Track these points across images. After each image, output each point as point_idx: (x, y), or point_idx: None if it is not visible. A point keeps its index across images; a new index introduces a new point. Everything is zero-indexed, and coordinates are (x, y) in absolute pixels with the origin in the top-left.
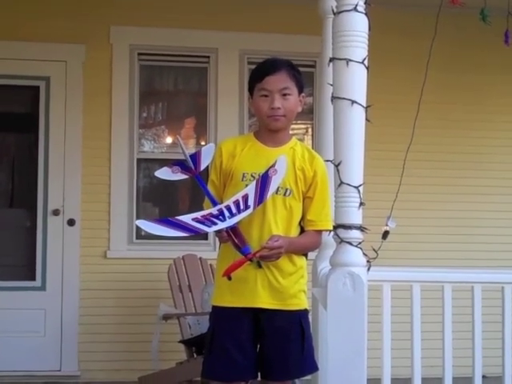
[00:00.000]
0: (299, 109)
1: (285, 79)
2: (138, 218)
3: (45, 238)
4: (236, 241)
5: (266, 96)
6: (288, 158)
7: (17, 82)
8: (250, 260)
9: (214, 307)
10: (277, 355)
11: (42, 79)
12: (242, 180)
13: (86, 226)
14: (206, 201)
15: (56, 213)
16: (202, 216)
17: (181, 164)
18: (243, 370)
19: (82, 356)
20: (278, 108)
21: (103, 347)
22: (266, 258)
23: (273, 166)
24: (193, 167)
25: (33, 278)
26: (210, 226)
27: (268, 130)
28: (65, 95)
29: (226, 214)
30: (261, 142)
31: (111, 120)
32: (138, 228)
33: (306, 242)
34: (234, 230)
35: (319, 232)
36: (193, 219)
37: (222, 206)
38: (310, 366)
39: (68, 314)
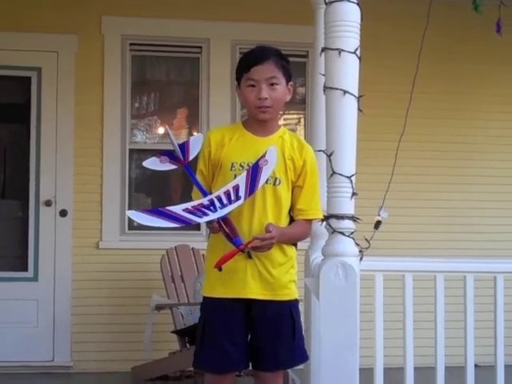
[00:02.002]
0: (287, 98)
1: (272, 69)
2: (130, 208)
3: (37, 228)
4: (227, 231)
5: (253, 86)
6: (277, 147)
7: (8, 72)
8: (242, 251)
9: (204, 298)
10: (268, 345)
11: (34, 70)
12: (231, 170)
13: (79, 217)
14: (195, 190)
15: (48, 204)
16: (192, 207)
17: (169, 154)
18: (235, 361)
19: (74, 346)
20: (265, 98)
21: (96, 338)
22: (257, 248)
23: (263, 156)
24: (181, 157)
25: (25, 269)
26: (201, 217)
27: (256, 120)
28: (56, 86)
29: (217, 204)
30: (249, 132)
31: (103, 110)
32: (130, 219)
33: (296, 232)
34: (225, 220)
35: (309, 221)
36: (184, 210)
37: (212, 197)
38: (301, 356)
39: (60, 304)
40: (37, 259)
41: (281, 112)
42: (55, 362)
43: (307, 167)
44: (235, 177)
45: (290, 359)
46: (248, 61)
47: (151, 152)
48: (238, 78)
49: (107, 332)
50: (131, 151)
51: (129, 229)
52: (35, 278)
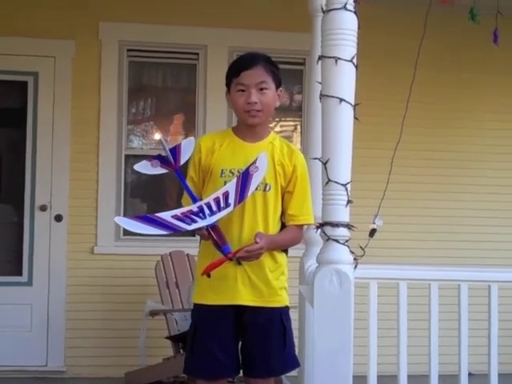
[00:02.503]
0: (277, 104)
1: (262, 73)
2: (125, 214)
3: (32, 233)
4: (216, 239)
5: (242, 91)
6: (267, 153)
7: (5, 77)
8: (230, 259)
9: (195, 305)
10: (259, 352)
11: (31, 74)
12: (221, 176)
13: (74, 222)
14: (185, 196)
15: (43, 208)
16: (181, 213)
17: (160, 158)
18: (226, 368)
19: (68, 351)
20: (255, 102)
21: (90, 343)
22: (245, 258)
23: (254, 163)
24: (173, 162)
25: (19, 274)
26: (189, 224)
27: (246, 125)
28: (53, 91)
29: (206, 211)
30: (239, 138)
31: (100, 116)
32: None
33: (287, 238)
34: (213, 228)
35: (300, 227)
36: (172, 216)
37: (202, 203)
38: (292, 363)
39: (54, 309)
40: (31, 264)
41: (271, 119)
42: (49, 366)
43: (297, 172)
44: (225, 183)
45: (280, 366)
46: (238, 66)
47: (147, 158)
48: (228, 84)
49: (101, 337)
50: (127, 157)
51: (124, 234)
52: (29, 283)
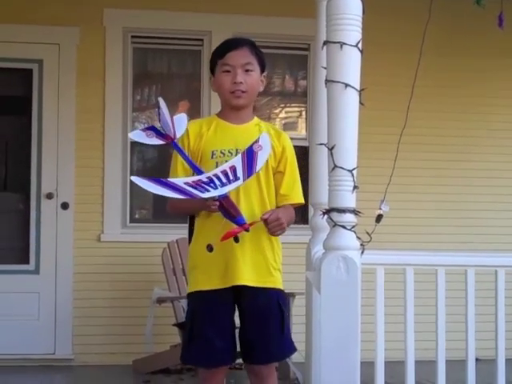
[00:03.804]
0: (261, 88)
1: (247, 55)
2: (131, 201)
3: (38, 221)
4: (230, 210)
5: (228, 71)
6: (256, 134)
7: (9, 64)
8: (246, 230)
9: (192, 293)
10: (258, 338)
11: (35, 62)
12: (212, 158)
13: (80, 210)
14: (173, 171)
15: (49, 196)
16: (193, 181)
17: (155, 129)
18: (225, 355)
19: (76, 339)
20: (241, 83)
21: (97, 331)
22: (272, 228)
23: (256, 141)
24: (172, 132)
25: (26, 262)
26: (203, 192)
27: (230, 108)
28: (58, 78)
29: (217, 182)
30: (225, 121)
31: (104, 103)
32: (131, 211)
33: (289, 212)
34: (225, 199)
35: (293, 206)
36: (185, 183)
37: (210, 174)
38: (289, 348)
39: (62, 297)
40: (38, 252)
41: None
42: (56, 354)
43: (287, 153)
44: (217, 164)
45: (280, 351)
46: (223, 48)
47: (152, 145)
48: (212, 68)
49: (108, 325)
50: (132, 144)
51: (130, 222)
52: (37, 271)
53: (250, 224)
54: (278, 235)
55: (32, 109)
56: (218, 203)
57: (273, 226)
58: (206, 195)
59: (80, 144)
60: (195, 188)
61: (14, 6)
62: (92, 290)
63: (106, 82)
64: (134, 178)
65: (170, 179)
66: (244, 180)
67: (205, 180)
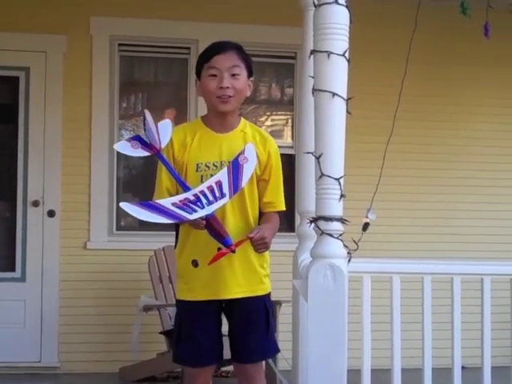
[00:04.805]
0: (248, 93)
1: (234, 59)
2: (118, 209)
3: (24, 229)
4: (218, 230)
5: (214, 75)
6: (240, 142)
7: None
8: (233, 251)
9: (180, 301)
10: (245, 338)
11: (22, 70)
12: (197, 171)
13: (66, 217)
14: (159, 191)
15: (36, 204)
16: (180, 201)
17: (139, 139)
18: (212, 355)
19: (62, 347)
20: (227, 87)
21: (83, 338)
22: (257, 247)
23: (242, 153)
24: (157, 143)
25: (12, 269)
26: (190, 213)
27: (216, 114)
28: (44, 86)
29: (204, 200)
30: (210, 128)
31: (91, 111)
32: (118, 219)
33: (275, 224)
34: (213, 218)
35: (277, 213)
36: (172, 204)
37: (196, 191)
38: (274, 347)
39: (48, 305)
40: (24, 259)
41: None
42: (42, 362)
43: (272, 160)
44: (201, 178)
45: (265, 350)
46: (209, 51)
47: (127, 139)
48: (198, 72)
49: (95, 333)
50: (119, 152)
51: (117, 229)
52: (23, 279)
53: (237, 244)
54: (260, 253)
55: (18, 116)
56: (204, 222)
57: (257, 245)
58: (193, 216)
59: (67, 152)
60: (183, 209)
61: (1, 13)
62: (78, 297)
63: (93, 89)
64: (123, 205)
65: (158, 201)
66: (230, 197)
67: (192, 199)
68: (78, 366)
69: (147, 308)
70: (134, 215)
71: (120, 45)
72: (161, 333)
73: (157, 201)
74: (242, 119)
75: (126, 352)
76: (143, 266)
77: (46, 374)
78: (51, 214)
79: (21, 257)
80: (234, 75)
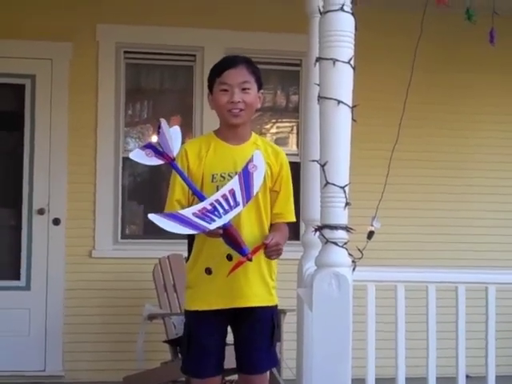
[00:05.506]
0: (258, 105)
1: (244, 73)
2: (123, 217)
3: (30, 237)
4: (236, 239)
5: (225, 90)
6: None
7: (2, 79)
8: (250, 260)
9: (190, 311)
10: (249, 350)
11: (28, 77)
12: (212, 181)
13: (72, 226)
14: (170, 203)
15: (41, 212)
16: (199, 210)
17: (152, 147)
18: (218, 366)
19: (66, 356)
20: (238, 102)
21: (88, 347)
22: (269, 254)
23: (251, 161)
24: (171, 153)
25: (17, 278)
26: (209, 223)
27: (228, 127)
28: (50, 93)
29: (220, 210)
30: (222, 140)
31: (97, 118)
32: (123, 227)
33: (285, 233)
34: (230, 227)
35: (287, 224)
36: (193, 214)
37: (212, 201)
38: (275, 359)
39: (53, 313)
40: (29, 268)
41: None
42: (47, 371)
43: (283, 172)
44: (217, 188)
45: (268, 362)
46: (221, 66)
47: (140, 147)
48: (210, 86)
49: (99, 341)
50: (124, 159)
51: (122, 237)
52: (27, 287)
53: (253, 252)
54: (273, 259)
55: (24, 124)
56: (221, 231)
57: (271, 251)
58: (212, 226)
59: (72, 159)
60: (203, 219)
61: (6, 21)
62: (83, 306)
63: (99, 97)
64: (152, 216)
65: (181, 211)
66: (244, 205)
67: (209, 208)
68: (82, 374)
69: (152, 317)
70: (162, 226)
71: (126, 52)
72: (165, 341)
73: (179, 211)
74: (254, 133)
75: (131, 361)
76: (148, 274)
77: (50, 382)
78: (56, 222)
79: (26, 265)
80: (244, 89)
